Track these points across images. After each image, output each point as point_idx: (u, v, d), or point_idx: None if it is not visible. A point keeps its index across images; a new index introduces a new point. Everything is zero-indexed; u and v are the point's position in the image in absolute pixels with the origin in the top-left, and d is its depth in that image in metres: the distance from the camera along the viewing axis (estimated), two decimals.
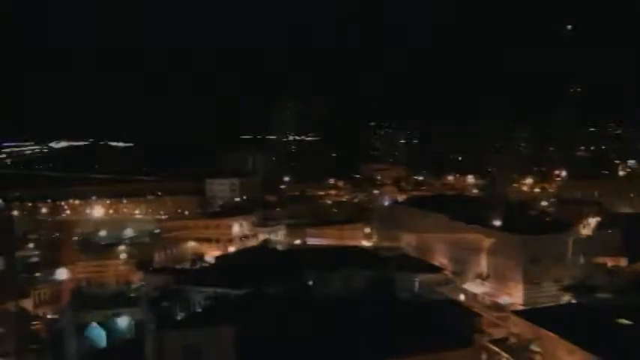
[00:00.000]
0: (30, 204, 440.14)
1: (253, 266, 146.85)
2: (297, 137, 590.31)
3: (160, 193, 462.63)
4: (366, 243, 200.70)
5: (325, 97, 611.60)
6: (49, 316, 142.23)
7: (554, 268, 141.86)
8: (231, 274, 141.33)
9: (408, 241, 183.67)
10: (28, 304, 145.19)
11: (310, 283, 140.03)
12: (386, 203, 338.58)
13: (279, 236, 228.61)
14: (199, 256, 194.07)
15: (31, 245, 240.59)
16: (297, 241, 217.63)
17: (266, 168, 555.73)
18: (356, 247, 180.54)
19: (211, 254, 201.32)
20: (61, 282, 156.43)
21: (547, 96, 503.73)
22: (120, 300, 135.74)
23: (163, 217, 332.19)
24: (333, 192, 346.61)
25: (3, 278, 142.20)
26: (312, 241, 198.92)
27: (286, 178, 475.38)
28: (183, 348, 69.10)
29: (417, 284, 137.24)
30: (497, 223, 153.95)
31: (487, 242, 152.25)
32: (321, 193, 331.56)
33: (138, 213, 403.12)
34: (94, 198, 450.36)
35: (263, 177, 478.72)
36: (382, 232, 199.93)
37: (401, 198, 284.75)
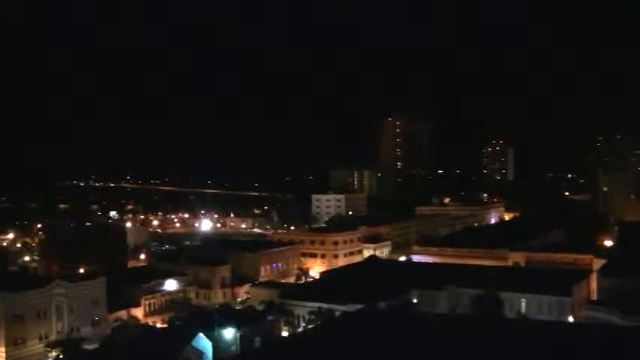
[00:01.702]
0: (142, 217, 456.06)
1: (359, 282, 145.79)
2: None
3: (266, 208, 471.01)
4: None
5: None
6: (158, 325, 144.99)
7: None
8: (337, 289, 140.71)
9: None
10: (138, 312, 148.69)
11: (415, 300, 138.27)
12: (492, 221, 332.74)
13: (384, 252, 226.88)
14: (304, 271, 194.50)
15: (142, 256, 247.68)
16: (403, 258, 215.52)
17: (372, 185, 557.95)
18: (462, 265, 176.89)
19: (316, 269, 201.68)
20: (170, 292, 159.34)
21: None
22: (226, 312, 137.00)
23: (270, 231, 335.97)
24: (441, 209, 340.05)
25: (115, 288, 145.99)
26: (417, 258, 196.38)
27: (392, 195, 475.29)
28: None
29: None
30: None
31: None
32: (428, 210, 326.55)
33: (245, 227, 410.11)
34: (202, 212, 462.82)
35: (369, 194, 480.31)
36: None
37: None
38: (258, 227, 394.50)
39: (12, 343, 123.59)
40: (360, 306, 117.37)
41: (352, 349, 77.96)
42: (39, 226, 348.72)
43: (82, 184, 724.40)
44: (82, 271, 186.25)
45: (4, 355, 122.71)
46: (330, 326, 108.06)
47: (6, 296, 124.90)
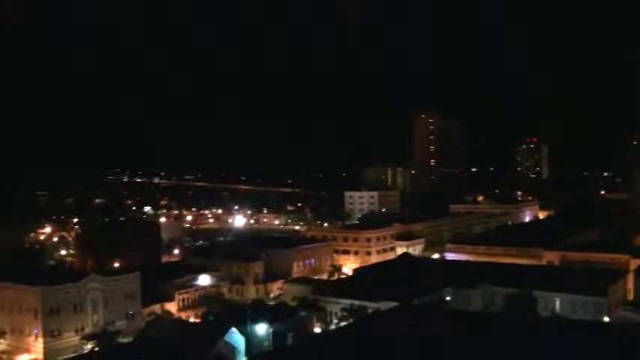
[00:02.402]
0: (176, 212, 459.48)
1: (391, 280, 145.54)
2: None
3: (299, 204, 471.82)
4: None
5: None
6: (191, 320, 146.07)
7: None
8: (370, 287, 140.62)
9: None
10: (172, 307, 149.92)
11: (448, 298, 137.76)
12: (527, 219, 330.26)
13: (417, 250, 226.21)
14: (337, 268, 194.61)
15: (176, 252, 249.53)
16: (436, 256, 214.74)
17: (405, 182, 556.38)
18: (496, 263, 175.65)
19: (349, 266, 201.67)
20: (203, 287, 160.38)
21: None
22: (259, 308, 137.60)
23: (303, 227, 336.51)
24: (475, 207, 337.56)
25: (149, 283, 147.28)
26: (450, 255, 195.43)
27: (426, 193, 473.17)
28: None
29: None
30: None
31: None
32: (462, 208, 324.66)
33: (278, 223, 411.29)
34: (236, 208, 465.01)
35: (402, 191, 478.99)
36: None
37: None
38: (292, 224, 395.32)
39: (49, 335, 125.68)
40: (392, 303, 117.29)
41: (387, 347, 78.04)
42: (75, 220, 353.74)
43: (117, 179, 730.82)
44: (116, 265, 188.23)
45: (42, 346, 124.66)
46: (365, 323, 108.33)
47: (43, 289, 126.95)
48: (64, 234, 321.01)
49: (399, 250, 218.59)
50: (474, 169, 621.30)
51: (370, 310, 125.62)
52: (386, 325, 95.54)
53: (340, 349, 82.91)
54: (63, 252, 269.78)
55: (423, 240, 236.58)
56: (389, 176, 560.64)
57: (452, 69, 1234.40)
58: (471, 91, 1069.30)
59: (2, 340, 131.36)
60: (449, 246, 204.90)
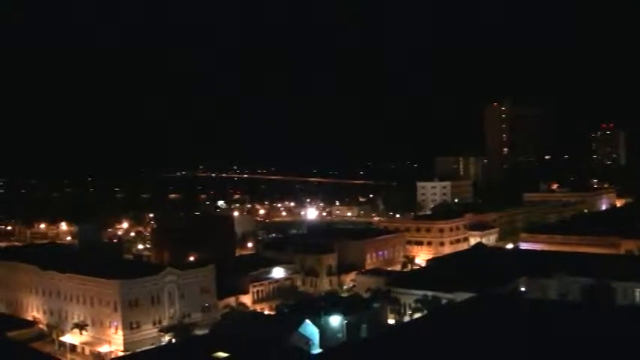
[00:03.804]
0: (249, 206, 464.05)
1: (465, 270, 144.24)
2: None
3: (371, 196, 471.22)
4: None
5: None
6: (266, 312, 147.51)
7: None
8: (443, 277, 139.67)
9: None
10: (247, 299, 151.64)
11: (523, 289, 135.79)
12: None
13: (491, 240, 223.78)
14: (410, 259, 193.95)
15: (250, 245, 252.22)
16: (510, 245, 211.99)
17: (477, 172, 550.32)
18: (572, 252, 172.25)
19: (422, 257, 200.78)
20: (277, 280, 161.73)
21: None
22: (332, 299, 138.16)
23: (375, 219, 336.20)
24: (549, 196, 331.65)
25: (224, 276, 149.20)
26: (525, 245, 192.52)
27: (499, 182, 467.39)
28: None
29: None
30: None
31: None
32: (536, 197, 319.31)
33: (350, 215, 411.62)
34: (308, 200, 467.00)
35: (474, 181, 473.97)
36: None
37: None
38: (364, 215, 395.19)
39: (128, 327, 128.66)
40: (466, 294, 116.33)
41: (466, 337, 77.47)
42: (151, 215, 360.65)
43: (191, 175, 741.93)
44: (192, 259, 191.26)
45: (122, 338, 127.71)
46: (441, 314, 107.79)
47: (123, 283, 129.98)
48: (141, 229, 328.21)
49: (473, 241, 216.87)
50: (548, 157, 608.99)
51: (444, 301, 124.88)
52: (463, 316, 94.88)
53: (418, 341, 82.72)
54: (140, 246, 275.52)
55: (496, 230, 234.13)
56: (461, 166, 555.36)
57: (524, 54, 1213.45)
58: (546, 78, 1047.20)
59: (84, 332, 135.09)
60: (523, 236, 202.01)
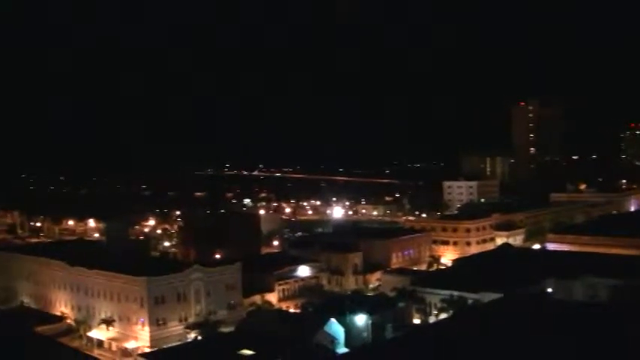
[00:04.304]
0: (275, 204, 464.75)
1: (491, 271, 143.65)
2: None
3: (397, 195, 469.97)
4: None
5: None
6: (291, 310, 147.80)
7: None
8: (469, 277, 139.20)
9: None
10: (272, 297, 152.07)
11: (549, 290, 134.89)
12: None
13: (517, 240, 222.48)
14: (436, 259, 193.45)
15: (275, 243, 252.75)
16: (537, 246, 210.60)
17: (504, 171, 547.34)
18: (600, 254, 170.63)
19: (448, 257, 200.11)
20: (303, 278, 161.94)
21: None
22: (358, 298, 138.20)
23: (401, 218, 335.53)
24: (577, 196, 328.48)
25: (250, 273, 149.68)
26: (552, 246, 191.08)
27: (526, 182, 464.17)
28: None
29: None
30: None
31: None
32: (564, 197, 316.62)
33: (376, 214, 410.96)
34: (334, 199, 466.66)
35: (501, 180, 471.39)
36: None
37: None
38: (390, 214, 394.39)
39: (155, 324, 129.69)
40: (492, 295, 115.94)
41: (493, 338, 77.27)
42: (177, 213, 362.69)
43: (218, 173, 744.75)
44: (218, 256, 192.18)
45: (148, 334, 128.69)
46: (468, 314, 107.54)
47: (149, 279, 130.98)
48: (167, 226, 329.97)
49: (499, 241, 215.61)
50: (575, 157, 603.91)
51: (470, 302, 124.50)
52: (490, 317, 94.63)
53: (444, 342, 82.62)
54: (166, 244, 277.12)
55: (523, 230, 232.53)
56: (487, 165, 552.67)
57: (552, 54, 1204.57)
58: (573, 77, 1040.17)
59: (111, 328, 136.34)
60: (550, 236, 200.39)
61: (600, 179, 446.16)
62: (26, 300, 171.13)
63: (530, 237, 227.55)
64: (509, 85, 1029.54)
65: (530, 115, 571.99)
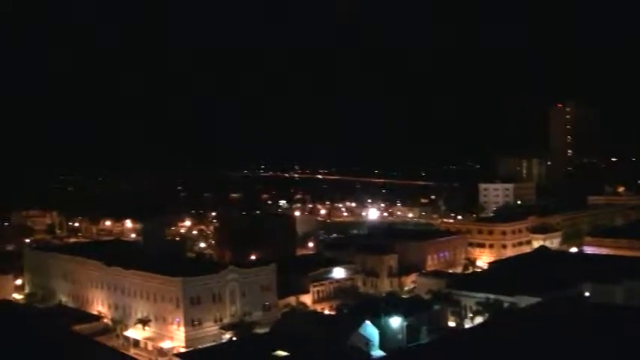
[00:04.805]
0: (310, 206, 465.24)
1: (528, 274, 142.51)
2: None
3: (433, 197, 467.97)
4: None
5: None
6: (326, 312, 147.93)
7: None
8: (505, 280, 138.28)
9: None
10: (307, 299, 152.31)
11: (587, 294, 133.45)
12: None
13: (554, 243, 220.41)
14: (472, 261, 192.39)
15: (310, 244, 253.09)
16: (574, 249, 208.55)
17: (541, 174, 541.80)
18: (637, 257, 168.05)
19: (484, 259, 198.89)
20: (338, 280, 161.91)
21: None
22: (393, 301, 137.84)
23: (437, 220, 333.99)
24: (615, 199, 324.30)
25: (285, 275, 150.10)
26: (589, 249, 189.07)
27: (562, 184, 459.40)
28: None
29: None
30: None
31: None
32: (601, 200, 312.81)
33: (411, 216, 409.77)
34: (369, 201, 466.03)
35: (538, 183, 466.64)
36: None
37: None
38: (425, 216, 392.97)
39: (190, 324, 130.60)
40: (529, 298, 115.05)
41: (531, 343, 76.64)
42: (213, 214, 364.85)
43: (254, 174, 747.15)
44: (253, 258, 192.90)
45: (184, 334, 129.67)
46: (505, 318, 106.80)
47: (185, 280, 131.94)
48: (203, 227, 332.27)
49: (536, 244, 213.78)
50: (614, 159, 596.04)
51: (506, 305, 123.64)
52: (528, 321, 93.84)
53: (481, 346, 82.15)
54: (202, 244, 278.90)
55: (560, 233, 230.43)
56: (524, 167, 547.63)
57: (592, 55, 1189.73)
58: (612, 78, 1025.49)
59: (147, 327, 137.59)
60: (588, 239, 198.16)
61: (639, 182, 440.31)
62: (64, 299, 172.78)
63: (567, 240, 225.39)
64: (545, 86, 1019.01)
65: (568, 116, 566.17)
